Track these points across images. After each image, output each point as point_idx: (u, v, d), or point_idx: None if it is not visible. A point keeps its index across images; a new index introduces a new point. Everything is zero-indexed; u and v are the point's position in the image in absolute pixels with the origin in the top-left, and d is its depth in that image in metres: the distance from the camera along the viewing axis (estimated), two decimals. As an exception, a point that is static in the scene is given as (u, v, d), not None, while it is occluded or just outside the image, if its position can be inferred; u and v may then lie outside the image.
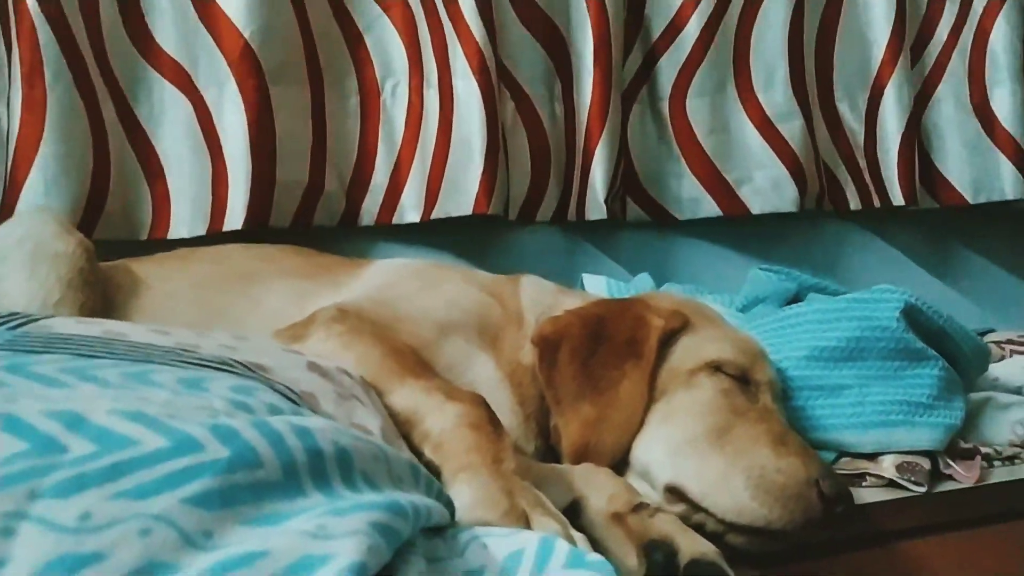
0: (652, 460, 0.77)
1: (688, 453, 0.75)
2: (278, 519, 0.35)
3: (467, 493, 0.56)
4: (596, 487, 0.70)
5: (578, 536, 0.54)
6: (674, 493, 0.74)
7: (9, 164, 1.10)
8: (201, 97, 1.16)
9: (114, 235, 1.15)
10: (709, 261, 1.46)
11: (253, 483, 0.35)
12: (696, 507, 0.72)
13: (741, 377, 0.80)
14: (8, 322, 0.52)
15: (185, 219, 1.17)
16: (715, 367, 0.80)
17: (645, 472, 0.77)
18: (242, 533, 0.33)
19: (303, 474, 0.38)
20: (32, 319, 0.54)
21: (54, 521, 0.30)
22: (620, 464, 0.78)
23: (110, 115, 1.14)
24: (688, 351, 0.82)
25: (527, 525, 0.53)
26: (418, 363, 0.75)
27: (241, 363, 0.53)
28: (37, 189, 1.09)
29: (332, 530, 0.34)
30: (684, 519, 0.69)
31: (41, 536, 0.29)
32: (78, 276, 0.88)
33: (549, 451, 0.84)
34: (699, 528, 0.69)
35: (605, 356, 0.82)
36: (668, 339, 0.83)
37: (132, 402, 0.38)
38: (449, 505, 0.51)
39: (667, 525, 0.64)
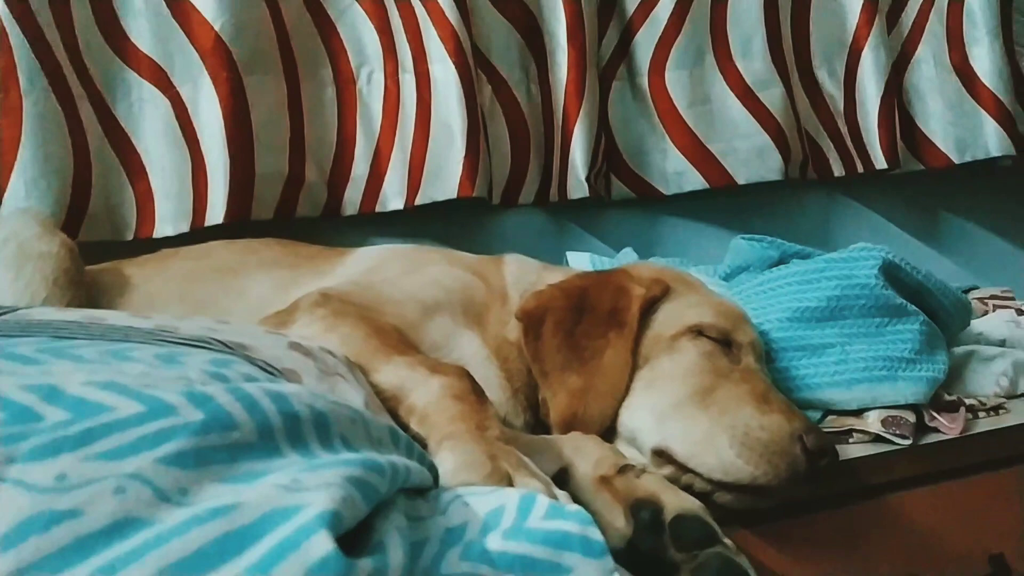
0: (638, 426, 0.78)
1: (673, 416, 0.76)
2: (254, 477, 0.35)
3: (450, 459, 0.57)
4: (582, 454, 0.71)
5: (561, 494, 0.55)
6: (661, 456, 0.75)
7: (-11, 168, 1.11)
8: (177, 93, 1.16)
9: (99, 236, 1.16)
10: (694, 236, 1.47)
11: (228, 444, 0.36)
12: (683, 468, 0.73)
13: (723, 340, 0.81)
14: None
15: (169, 217, 1.17)
16: (697, 331, 0.81)
17: (632, 438, 0.78)
18: (217, 490, 0.34)
19: (279, 436, 0.39)
20: (11, 309, 0.55)
21: (30, 482, 0.31)
22: (608, 432, 0.79)
23: (88, 116, 1.14)
24: (670, 317, 0.83)
25: (510, 485, 0.54)
26: (402, 341, 0.76)
27: (220, 341, 0.54)
28: (18, 193, 1.09)
29: (306, 483, 0.35)
30: (672, 481, 0.70)
31: (18, 495, 0.30)
32: (63, 276, 0.88)
33: (538, 424, 0.85)
34: (687, 489, 0.70)
35: (588, 327, 0.82)
36: (650, 307, 0.84)
37: (107, 374, 0.39)
38: (432, 469, 0.52)
39: (652, 484, 0.65)
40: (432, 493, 0.50)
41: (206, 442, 0.35)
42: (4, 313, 0.52)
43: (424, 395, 0.66)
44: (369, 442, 0.45)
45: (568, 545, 0.46)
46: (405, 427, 0.64)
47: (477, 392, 0.67)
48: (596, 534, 0.47)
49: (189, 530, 0.30)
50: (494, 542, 0.45)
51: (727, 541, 0.61)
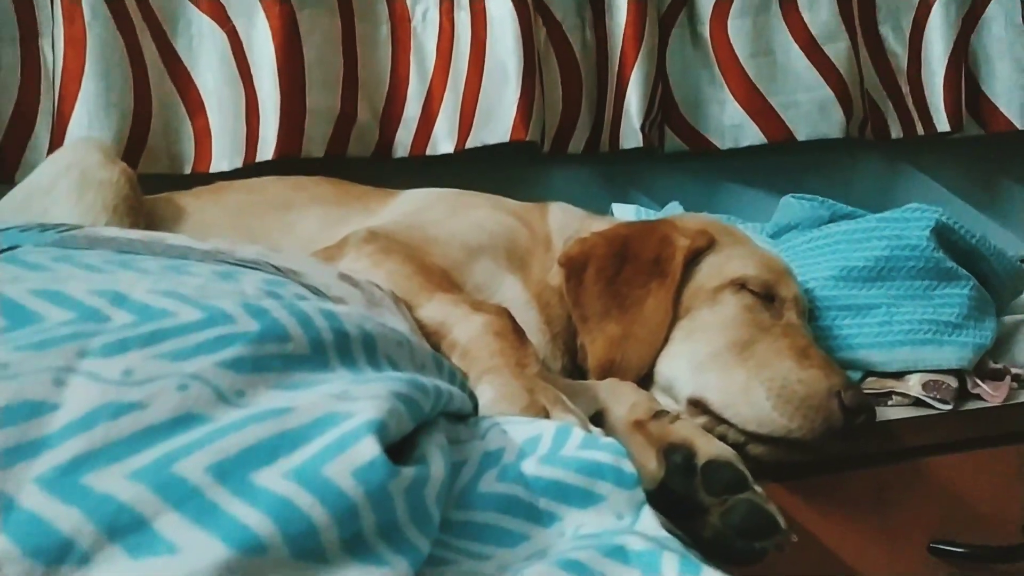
0: (675, 375, 0.79)
1: (710, 367, 0.76)
2: (306, 386, 0.37)
3: (489, 391, 0.58)
4: (618, 398, 0.72)
5: (595, 429, 0.56)
6: (697, 406, 0.76)
7: (56, 99, 1.14)
8: (233, 28, 1.17)
9: (157, 169, 1.19)
10: (745, 193, 1.45)
11: (282, 354, 0.38)
12: (718, 419, 0.74)
13: (765, 294, 0.81)
14: (57, 228, 0.55)
15: (225, 152, 1.19)
16: (739, 284, 0.81)
17: (668, 387, 0.79)
18: (271, 395, 0.36)
19: (330, 351, 0.40)
20: (78, 227, 0.57)
21: (100, 375, 0.33)
22: (645, 380, 0.80)
23: (149, 49, 1.17)
24: (713, 269, 0.83)
25: (546, 418, 0.56)
26: (446, 280, 0.77)
27: (274, 266, 0.56)
28: (82, 123, 1.13)
29: (355, 394, 0.37)
30: (707, 431, 0.71)
31: (88, 387, 0.32)
32: (123, 203, 0.91)
33: (575, 370, 0.86)
34: (721, 439, 0.71)
35: (631, 275, 0.83)
36: (694, 258, 0.84)
37: (169, 284, 0.41)
38: (472, 398, 0.53)
39: (685, 430, 0.66)
40: (471, 420, 0.52)
41: (262, 350, 0.37)
42: (72, 229, 0.55)
43: (466, 331, 0.67)
44: (413, 365, 0.46)
45: (601, 474, 0.47)
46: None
47: (518, 332, 0.68)
48: (629, 466, 0.48)
49: (246, 426, 0.32)
50: (530, 467, 0.46)
51: (757, 488, 0.62)
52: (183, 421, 0.32)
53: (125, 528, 0.28)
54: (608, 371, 0.80)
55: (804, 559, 0.76)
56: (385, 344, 0.44)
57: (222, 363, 0.35)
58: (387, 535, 0.34)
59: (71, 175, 0.91)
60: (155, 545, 0.28)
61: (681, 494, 0.62)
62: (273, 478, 0.31)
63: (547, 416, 0.56)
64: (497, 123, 1.20)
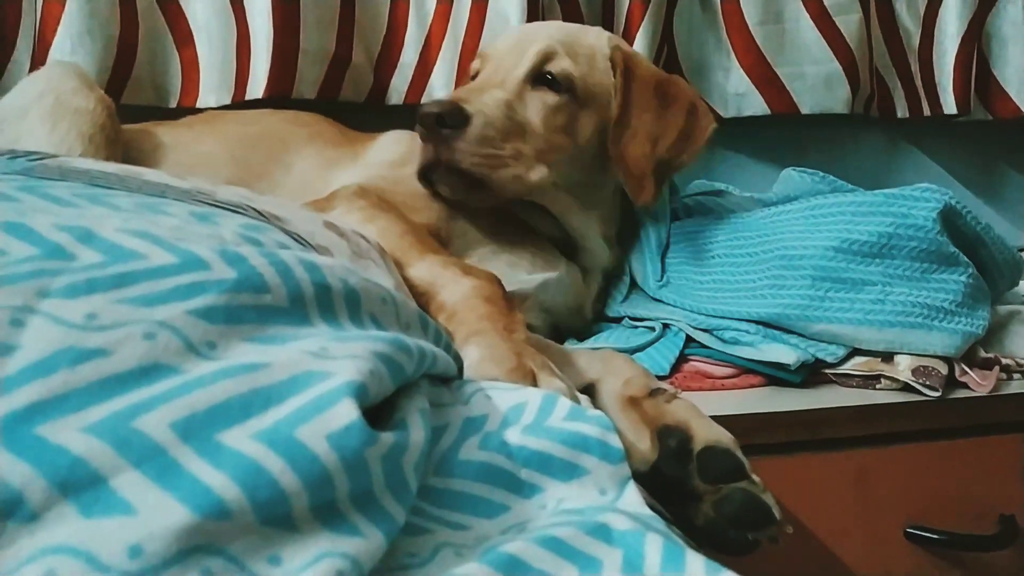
0: None
1: None
2: (283, 340, 0.35)
3: (475, 352, 0.56)
4: (613, 371, 0.70)
5: (583, 398, 0.55)
6: None
7: (38, 20, 1.09)
8: (229, -41, 1.13)
9: (141, 101, 1.14)
10: (744, 163, 1.42)
11: (258, 306, 0.35)
12: None
13: None
14: (28, 155, 0.52)
15: (212, 87, 1.16)
16: None
17: None
18: (245, 348, 0.33)
19: (310, 305, 0.38)
20: (51, 156, 0.54)
21: (61, 317, 0.30)
22: None
23: (138, -27, 1.12)
24: None
25: (533, 383, 0.54)
26: (435, 241, 0.76)
27: (256, 210, 0.53)
28: (64, 48, 1.08)
29: (334, 352, 0.35)
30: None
31: (48, 329, 0.30)
32: (99, 132, 0.87)
33: None
34: None
35: (669, 119, 0.92)
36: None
37: (142, 224, 0.38)
38: (457, 360, 0.51)
39: (682, 411, 0.64)
40: (455, 383, 0.50)
41: (237, 300, 0.34)
42: (44, 158, 0.52)
43: (454, 293, 0.66)
44: (398, 324, 0.44)
45: (586, 447, 0.45)
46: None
47: (507, 298, 0.66)
48: (615, 440, 0.46)
49: (216, 381, 0.30)
50: (513, 436, 0.45)
51: (755, 477, 0.59)
52: (149, 372, 0.30)
53: (79, 485, 0.26)
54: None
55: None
56: (369, 300, 0.42)
57: (194, 311, 0.33)
58: (361, 504, 0.32)
59: (45, 101, 0.87)
60: (111, 504, 0.26)
61: (674, 479, 0.60)
62: (242, 439, 0.29)
63: (534, 380, 0.55)
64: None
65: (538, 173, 0.86)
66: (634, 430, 0.63)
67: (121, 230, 0.37)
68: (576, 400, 0.53)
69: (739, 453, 0.61)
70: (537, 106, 0.88)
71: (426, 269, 0.69)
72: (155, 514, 0.26)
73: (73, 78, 0.90)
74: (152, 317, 0.32)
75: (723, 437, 0.62)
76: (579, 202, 0.94)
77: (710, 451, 0.60)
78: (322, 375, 0.32)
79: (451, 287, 0.67)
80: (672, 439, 0.61)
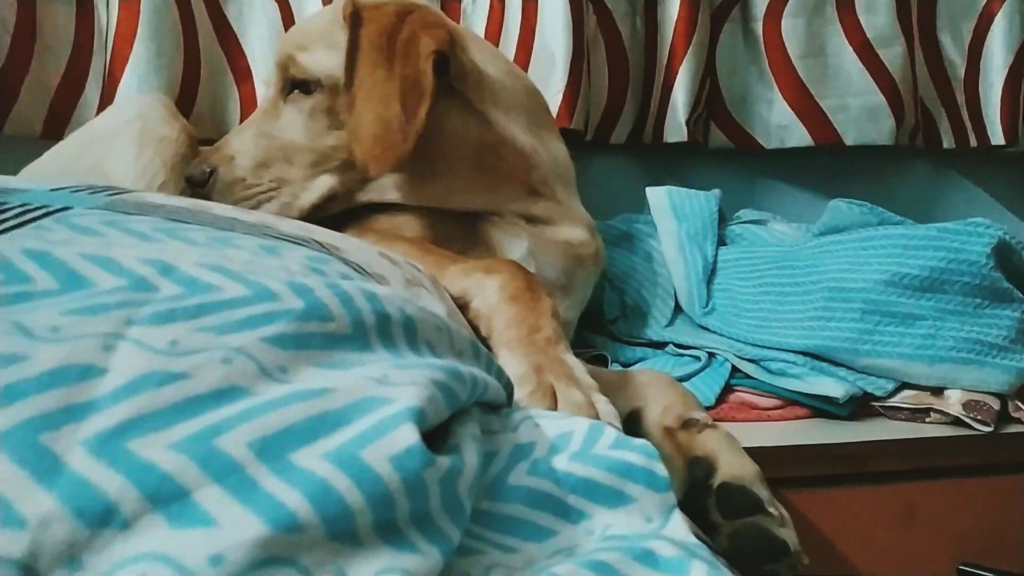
0: None
1: None
2: (346, 366, 0.37)
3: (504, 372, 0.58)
4: (655, 396, 0.71)
5: (602, 405, 0.56)
6: None
7: (108, 60, 1.15)
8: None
9: (202, 134, 1.19)
10: (788, 194, 1.42)
11: (324, 333, 0.38)
12: None
13: None
14: (107, 191, 0.56)
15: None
16: None
17: None
18: (313, 373, 0.35)
19: (370, 332, 0.40)
20: (127, 191, 0.58)
21: (147, 343, 0.33)
22: None
23: (201, 15, 1.17)
24: None
25: (553, 401, 0.56)
26: (447, 251, 0.77)
27: (317, 241, 0.56)
28: (131, 85, 1.14)
29: (394, 379, 0.36)
30: None
31: (136, 354, 0.32)
32: (180, 161, 0.91)
33: None
34: None
35: (400, 70, 0.77)
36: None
37: (216, 258, 0.41)
38: (508, 387, 0.53)
39: (712, 442, 0.65)
40: (504, 411, 0.52)
41: (305, 328, 0.37)
42: (121, 193, 0.55)
43: (483, 300, 0.67)
44: (452, 352, 0.46)
45: (632, 475, 0.47)
46: (476, 331, 0.66)
47: (532, 288, 0.67)
48: (660, 468, 0.47)
49: (288, 404, 0.32)
50: (560, 462, 0.46)
51: (773, 511, 0.61)
52: (226, 393, 0.32)
53: (167, 497, 0.28)
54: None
55: (827, 570, 0.75)
56: (425, 328, 0.44)
57: (266, 338, 0.35)
58: (420, 523, 0.34)
59: (132, 127, 0.89)
60: (195, 516, 0.28)
61: (697, 510, 0.62)
62: (311, 459, 0.31)
63: (554, 398, 0.56)
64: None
65: (316, 191, 0.82)
66: (670, 461, 0.64)
67: (198, 264, 0.40)
68: (594, 406, 0.54)
69: (757, 488, 0.62)
70: (295, 119, 0.83)
71: (452, 281, 0.70)
72: (235, 526, 0.28)
73: (160, 107, 0.93)
74: (228, 344, 0.34)
75: (745, 472, 0.62)
76: (462, 182, 0.85)
77: (727, 487, 0.62)
78: (384, 401, 0.34)
79: (479, 292, 0.68)
80: (699, 470, 0.63)
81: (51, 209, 0.45)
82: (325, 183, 0.83)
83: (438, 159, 0.82)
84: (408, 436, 0.33)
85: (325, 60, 0.81)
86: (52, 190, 0.50)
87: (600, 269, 0.96)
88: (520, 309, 0.64)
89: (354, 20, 0.78)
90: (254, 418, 0.31)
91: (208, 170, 0.83)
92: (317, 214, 0.82)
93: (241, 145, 0.84)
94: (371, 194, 0.84)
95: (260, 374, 0.34)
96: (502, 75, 0.87)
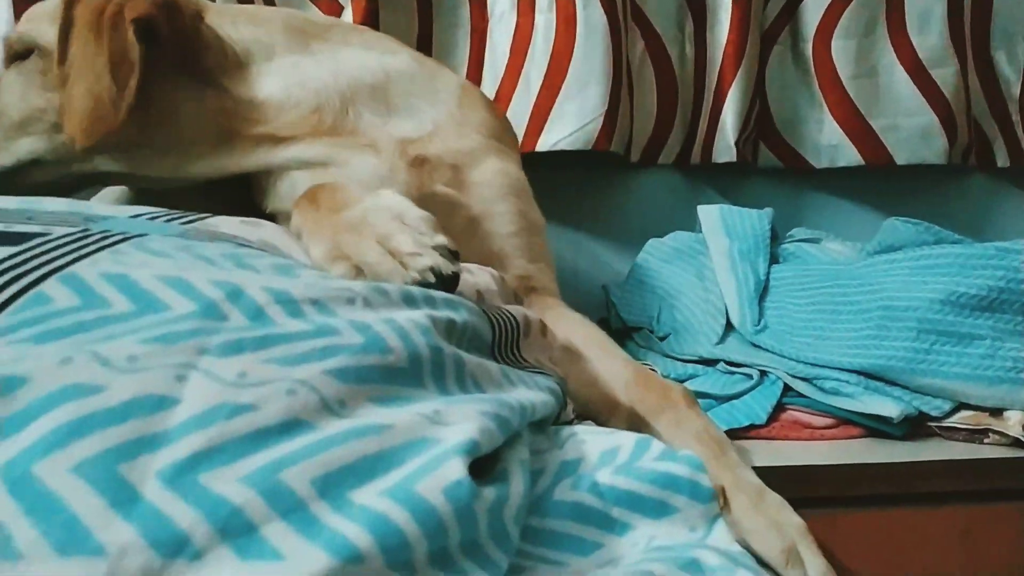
0: None
1: None
2: (402, 402, 0.39)
3: None
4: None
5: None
6: None
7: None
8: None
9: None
10: (839, 213, 1.40)
11: (383, 366, 0.39)
12: None
13: None
14: (181, 218, 0.58)
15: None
16: None
17: None
18: (371, 408, 0.37)
19: (425, 366, 0.42)
20: (201, 217, 0.59)
21: (217, 374, 0.35)
22: None
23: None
24: None
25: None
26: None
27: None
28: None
29: (447, 416, 0.38)
30: None
31: (207, 384, 0.34)
32: None
33: None
34: None
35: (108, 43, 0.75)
36: None
37: (281, 282, 0.43)
38: (558, 396, 0.54)
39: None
40: (552, 429, 0.53)
41: (365, 361, 0.38)
42: (194, 220, 0.57)
43: None
44: (493, 384, 0.47)
45: (676, 487, 0.47)
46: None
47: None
48: (705, 480, 0.48)
49: (348, 440, 0.34)
50: (604, 476, 0.47)
51: None
52: (290, 426, 0.34)
53: (236, 531, 0.30)
54: None
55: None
56: (470, 363, 0.45)
57: (328, 371, 0.37)
58: (470, 551, 0.35)
59: None
60: (263, 550, 0.29)
61: None
62: (370, 496, 0.32)
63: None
64: (579, 131, 1.19)
65: (14, 153, 0.79)
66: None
67: (265, 289, 0.41)
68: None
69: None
70: (13, 83, 0.80)
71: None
72: (301, 560, 0.29)
73: None
74: (293, 376, 0.36)
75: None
76: (199, 151, 0.80)
77: None
78: (436, 439, 0.36)
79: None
80: None
81: (129, 235, 0.47)
82: (27, 146, 0.79)
83: (172, 130, 0.78)
84: (458, 469, 0.35)
85: (45, 30, 0.79)
86: (131, 217, 0.52)
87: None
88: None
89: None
90: (316, 454, 0.33)
91: None
92: (23, 180, 0.80)
93: None
94: (92, 165, 0.80)
95: (322, 407, 0.35)
96: (254, 28, 0.83)
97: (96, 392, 0.33)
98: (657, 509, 0.47)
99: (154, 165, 0.80)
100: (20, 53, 0.80)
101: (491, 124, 0.90)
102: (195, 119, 0.79)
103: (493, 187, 0.85)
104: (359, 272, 0.52)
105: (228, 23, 0.83)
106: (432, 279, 0.51)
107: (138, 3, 0.75)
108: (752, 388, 0.90)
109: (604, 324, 1.14)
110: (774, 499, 0.58)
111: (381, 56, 0.86)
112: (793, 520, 0.56)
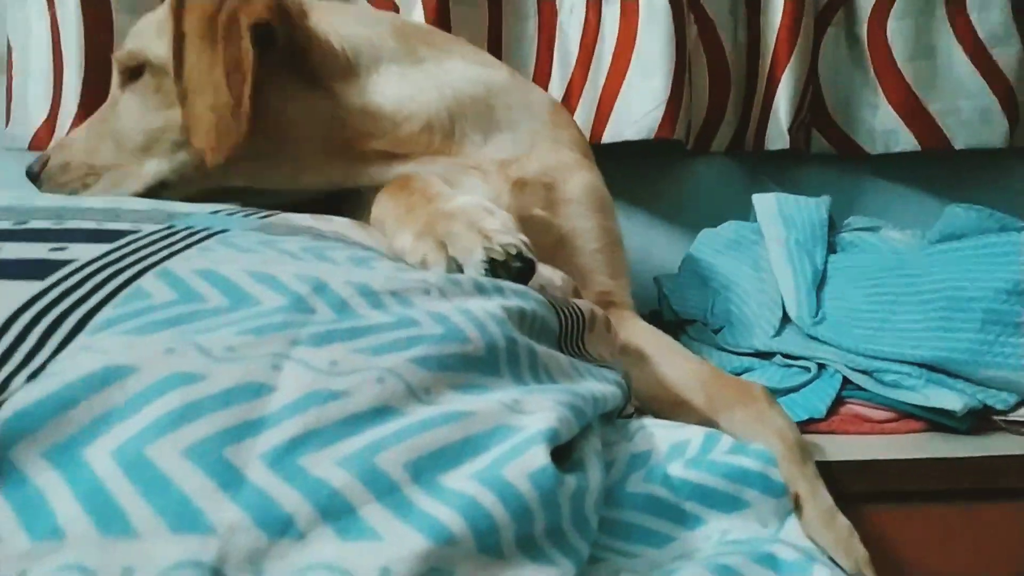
0: None
1: None
2: (481, 390, 0.40)
3: None
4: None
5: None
6: None
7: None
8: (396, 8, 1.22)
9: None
10: (896, 199, 1.38)
11: (462, 355, 0.40)
12: None
13: None
14: (258, 213, 0.60)
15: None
16: None
17: None
18: (452, 395, 0.38)
19: (501, 355, 0.43)
20: (275, 212, 0.61)
21: (310, 363, 0.36)
22: None
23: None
24: None
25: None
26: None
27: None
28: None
29: (525, 405, 0.39)
30: None
31: (301, 372, 0.36)
32: None
33: None
34: None
35: (223, 54, 0.73)
36: None
37: (361, 275, 0.44)
38: (622, 387, 0.54)
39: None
40: (620, 421, 0.54)
41: (446, 350, 0.39)
42: (270, 215, 0.59)
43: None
44: (563, 375, 0.48)
45: (748, 481, 0.48)
46: None
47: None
48: (776, 474, 0.48)
49: (434, 426, 0.35)
50: (675, 469, 0.48)
51: None
52: (380, 412, 0.35)
53: (337, 512, 0.31)
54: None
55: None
56: (543, 355, 0.46)
57: (413, 359, 0.38)
58: (553, 537, 0.36)
59: None
60: (362, 531, 0.31)
61: None
62: (459, 479, 0.33)
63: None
64: (642, 119, 1.19)
65: (143, 178, 0.78)
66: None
67: (348, 283, 0.43)
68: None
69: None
70: (131, 104, 0.79)
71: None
72: (399, 541, 0.30)
73: None
74: (381, 364, 0.37)
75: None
76: (311, 161, 0.79)
77: None
78: (518, 428, 0.37)
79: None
80: None
81: (212, 231, 0.49)
82: (153, 168, 0.78)
83: (286, 140, 0.77)
84: (542, 456, 0.36)
85: (155, 46, 0.77)
86: (211, 213, 0.54)
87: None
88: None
89: (177, 9, 0.74)
90: (406, 439, 0.34)
91: (44, 160, 0.81)
92: None
93: (77, 135, 0.82)
94: (214, 182, 0.79)
95: (408, 394, 0.37)
96: (363, 29, 0.81)
97: (200, 380, 0.34)
98: (729, 503, 0.47)
99: (272, 176, 0.80)
100: (133, 71, 0.79)
101: (579, 140, 0.91)
102: (306, 123, 0.77)
103: (583, 204, 0.85)
104: (441, 247, 0.53)
105: (335, 23, 0.81)
106: (513, 253, 0.52)
107: (252, 7, 0.73)
108: (810, 381, 0.90)
109: (656, 316, 1.14)
110: (844, 523, 0.58)
111: (483, 70, 0.85)
112: (861, 549, 0.57)
